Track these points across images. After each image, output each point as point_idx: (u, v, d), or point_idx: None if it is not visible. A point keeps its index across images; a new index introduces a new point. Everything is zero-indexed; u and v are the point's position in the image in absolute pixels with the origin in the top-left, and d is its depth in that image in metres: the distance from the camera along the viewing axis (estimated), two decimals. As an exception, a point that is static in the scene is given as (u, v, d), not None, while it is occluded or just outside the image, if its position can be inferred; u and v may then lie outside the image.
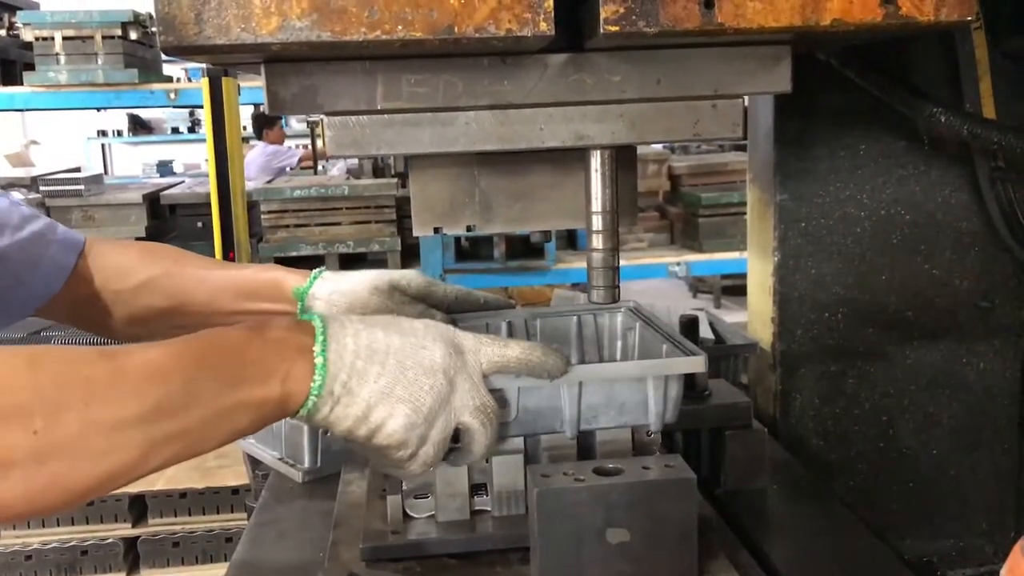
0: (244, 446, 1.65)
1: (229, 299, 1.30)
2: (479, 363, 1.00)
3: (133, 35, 4.99)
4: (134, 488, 3.54)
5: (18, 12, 5.34)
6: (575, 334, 1.37)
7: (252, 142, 8.76)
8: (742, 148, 5.29)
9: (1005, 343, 1.64)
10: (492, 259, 5.02)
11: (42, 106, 5.36)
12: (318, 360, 0.91)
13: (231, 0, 0.84)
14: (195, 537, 3.64)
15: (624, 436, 1.14)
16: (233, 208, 4.73)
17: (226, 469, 3.65)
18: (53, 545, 3.56)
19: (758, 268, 1.68)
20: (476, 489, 1.15)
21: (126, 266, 1.31)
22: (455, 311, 1.31)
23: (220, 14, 0.85)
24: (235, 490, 3.62)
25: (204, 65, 4.35)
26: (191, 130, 12.38)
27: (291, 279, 1.29)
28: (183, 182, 6.56)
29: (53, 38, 4.86)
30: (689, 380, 1.30)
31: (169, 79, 5.59)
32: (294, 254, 5.00)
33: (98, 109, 7.84)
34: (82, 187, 5.24)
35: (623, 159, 1.13)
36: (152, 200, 5.35)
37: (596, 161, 1.09)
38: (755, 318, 1.71)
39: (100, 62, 4.88)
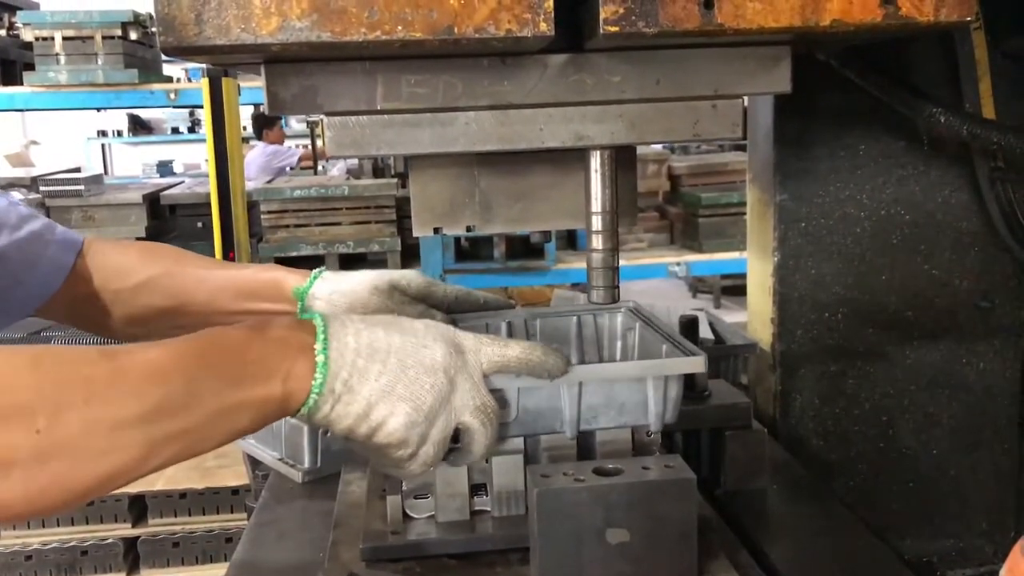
0: (244, 446, 1.65)
1: (229, 299, 1.30)
2: (480, 363, 1.00)
3: (133, 35, 4.99)
4: (134, 488, 3.54)
5: (18, 12, 5.33)
6: (575, 334, 1.37)
7: (252, 142, 8.76)
8: (742, 148, 5.29)
9: (1005, 343, 1.64)
10: (492, 259, 5.02)
11: (42, 106, 5.36)
12: (319, 358, 0.91)
13: (231, 1, 0.85)
14: (195, 537, 3.64)
15: (624, 436, 1.14)
16: (233, 208, 4.73)
17: (226, 469, 3.65)
18: (53, 545, 3.56)
19: (758, 268, 1.69)
20: (476, 489, 1.15)
21: (125, 266, 1.31)
22: (455, 311, 1.31)
23: (220, 15, 0.85)
24: (235, 490, 3.62)
25: (204, 65, 4.35)
26: (191, 130, 12.38)
27: (291, 279, 1.29)
28: (183, 182, 6.56)
29: (53, 38, 4.86)
30: (689, 380, 1.30)
31: (169, 79, 5.59)
32: (294, 254, 5.00)
33: (98, 109, 7.85)
34: (82, 187, 5.24)
35: (623, 159, 1.13)
36: (152, 200, 5.35)
37: (596, 161, 1.09)
38: (755, 318, 1.71)
39: (100, 62, 4.88)
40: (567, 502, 0.98)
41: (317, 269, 1.31)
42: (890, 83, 1.43)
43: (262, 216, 5.12)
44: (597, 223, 1.11)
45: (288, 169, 8.16)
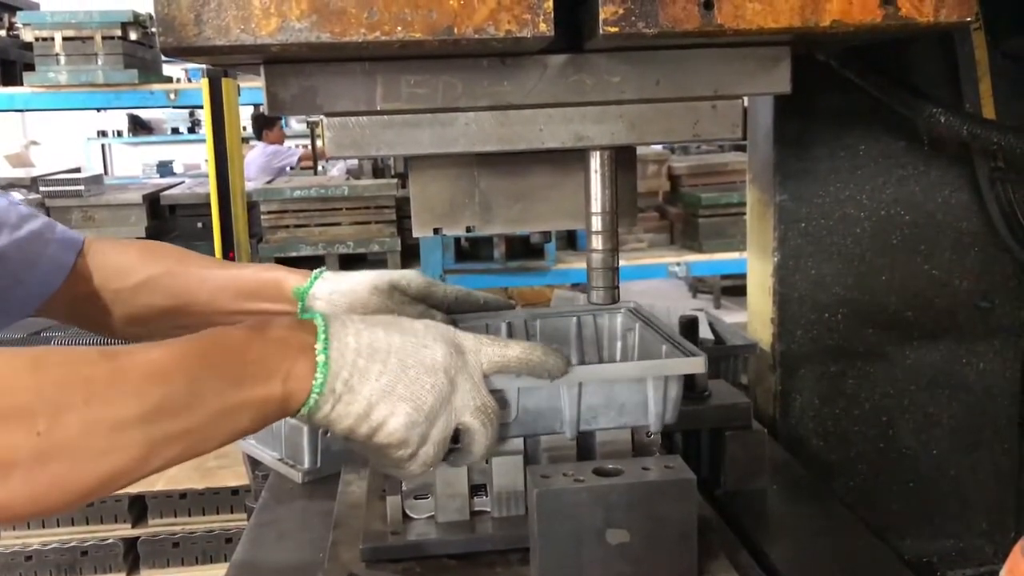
0: (244, 447, 1.65)
1: (230, 299, 1.29)
2: (480, 363, 1.00)
3: (133, 35, 4.99)
4: (134, 488, 3.54)
5: (18, 12, 5.33)
6: (575, 335, 1.37)
7: (252, 142, 8.76)
8: (742, 148, 5.29)
9: (1005, 343, 1.64)
10: (492, 260, 5.02)
11: (42, 106, 5.36)
12: (320, 358, 0.91)
13: (231, 1, 0.85)
14: (195, 538, 3.64)
15: (624, 437, 1.14)
16: (233, 208, 4.73)
17: (226, 469, 3.65)
18: (53, 546, 3.56)
19: (758, 268, 1.69)
20: (476, 490, 1.15)
21: (126, 265, 1.31)
22: (455, 311, 1.31)
23: (219, 15, 0.85)
24: (235, 491, 3.62)
25: (204, 66, 4.35)
26: (191, 130, 12.37)
27: (292, 279, 1.29)
28: (183, 182, 6.56)
29: (53, 38, 4.86)
30: (689, 381, 1.30)
31: (169, 80, 5.59)
32: (294, 254, 5.00)
33: (98, 109, 7.85)
34: (82, 187, 5.24)
35: (623, 160, 1.13)
36: (152, 200, 5.35)
37: (596, 162, 1.09)
38: (755, 318, 1.71)
39: (100, 62, 4.88)
40: (567, 502, 0.98)
41: (318, 269, 1.31)
42: (890, 83, 1.43)
43: (262, 216, 5.12)
44: (597, 223, 1.11)
45: (288, 169, 8.16)
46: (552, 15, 0.87)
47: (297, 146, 9.66)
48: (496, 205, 1.20)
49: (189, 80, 7.42)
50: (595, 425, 1.12)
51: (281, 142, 8.86)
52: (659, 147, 6.17)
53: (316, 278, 1.28)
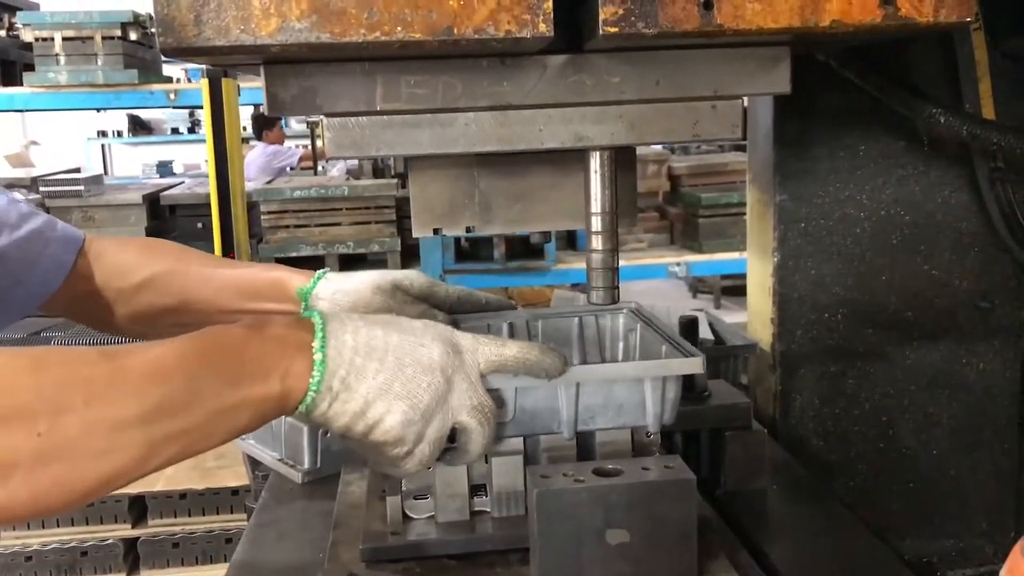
0: (244, 447, 1.65)
1: (232, 298, 1.29)
2: (477, 362, 1.00)
3: (133, 36, 4.99)
4: (134, 489, 3.54)
5: (18, 12, 5.33)
6: (577, 335, 1.37)
7: (252, 143, 8.76)
8: (742, 148, 5.29)
9: (1005, 343, 1.64)
10: (492, 260, 5.02)
11: (42, 107, 5.36)
12: (317, 356, 0.92)
13: (230, 1, 0.85)
14: (195, 538, 3.64)
15: (624, 437, 1.14)
16: (233, 209, 4.73)
17: (226, 470, 3.66)
18: (53, 546, 3.56)
19: (758, 268, 1.69)
20: (476, 490, 1.15)
21: (128, 263, 1.31)
22: (457, 311, 1.31)
23: (219, 15, 0.85)
24: (235, 491, 3.62)
25: (204, 66, 4.36)
26: (191, 131, 12.37)
27: (295, 279, 1.29)
28: (183, 183, 6.56)
29: (53, 39, 4.86)
30: (689, 381, 1.30)
31: (169, 80, 5.59)
32: (294, 255, 5.00)
33: (98, 110, 7.85)
34: (82, 188, 5.24)
35: (622, 160, 1.13)
36: (152, 201, 5.35)
37: (595, 162, 1.09)
38: (755, 318, 1.71)
39: (100, 63, 4.88)
40: (567, 503, 0.98)
41: (321, 270, 1.32)
42: (890, 83, 1.43)
43: (262, 216, 5.12)
44: (597, 224, 1.11)
45: (288, 169, 8.16)
46: (552, 15, 0.87)
47: (297, 146, 9.67)
48: (496, 205, 1.20)
49: (189, 80, 7.42)
50: (593, 425, 1.12)
51: (281, 142, 8.87)
52: (659, 147, 6.17)
53: (319, 278, 1.28)
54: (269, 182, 6.08)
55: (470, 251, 5.13)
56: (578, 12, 0.94)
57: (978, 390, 1.65)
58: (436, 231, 1.20)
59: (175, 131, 12.67)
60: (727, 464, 1.34)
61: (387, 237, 5.09)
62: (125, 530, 3.62)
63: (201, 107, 4.81)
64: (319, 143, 7.87)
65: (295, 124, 11.24)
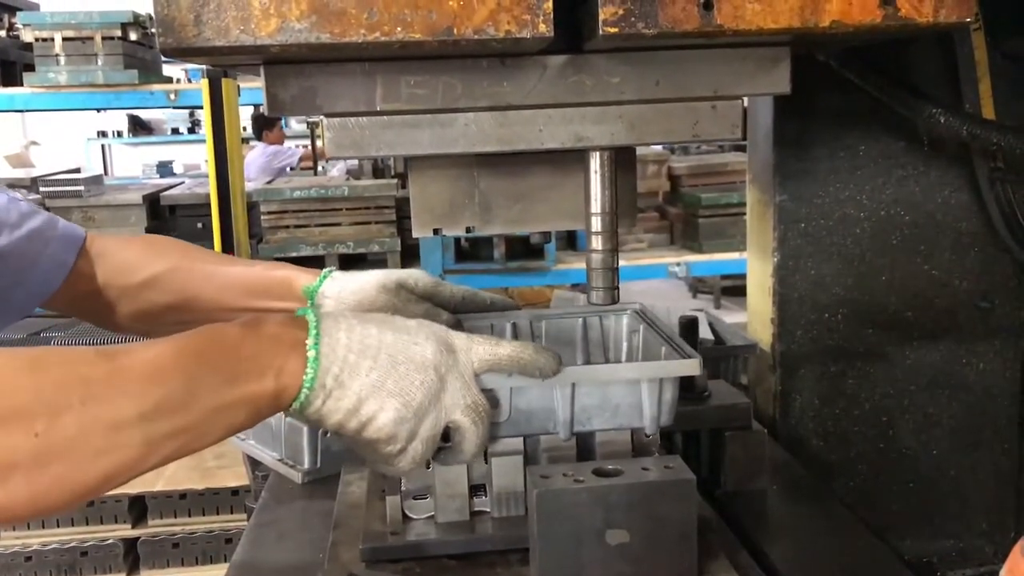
0: (244, 447, 1.65)
1: (237, 296, 1.29)
2: (471, 362, 1.00)
3: (133, 36, 4.99)
4: (134, 489, 3.54)
5: (18, 13, 5.33)
6: (580, 336, 1.36)
7: (252, 143, 8.76)
8: (742, 149, 5.29)
9: (1005, 343, 1.64)
10: (492, 260, 5.02)
11: (42, 107, 5.36)
12: (310, 354, 0.92)
13: (230, 2, 0.85)
14: (195, 538, 3.64)
15: (624, 437, 1.14)
16: (233, 209, 4.72)
17: (226, 470, 3.66)
18: (53, 546, 3.56)
19: (758, 269, 1.69)
20: (475, 490, 1.15)
21: (131, 261, 1.30)
22: (461, 311, 1.31)
23: (219, 16, 0.85)
24: (235, 491, 3.62)
25: (204, 66, 4.35)
26: (191, 131, 12.37)
27: (302, 277, 1.29)
28: (183, 183, 6.55)
29: (53, 39, 4.86)
30: (688, 381, 1.30)
31: (169, 80, 5.58)
32: (294, 255, 4.99)
33: (98, 110, 7.83)
34: (82, 188, 5.24)
35: (622, 160, 1.13)
36: (152, 201, 5.35)
37: (595, 162, 1.09)
38: (755, 319, 1.71)
39: (100, 63, 4.87)
40: (567, 503, 0.98)
41: (327, 269, 1.31)
42: (890, 84, 1.43)
43: (262, 217, 5.12)
44: (597, 224, 1.11)
45: (288, 170, 8.16)
46: (552, 16, 0.87)
47: (297, 146, 9.66)
48: (496, 205, 1.20)
49: (189, 80, 7.42)
50: (589, 426, 1.11)
51: (281, 142, 8.86)
52: (659, 147, 6.17)
53: (325, 277, 1.28)
54: (269, 182, 6.08)
55: (470, 251, 5.13)
56: (578, 12, 0.94)
57: (978, 390, 1.65)
58: (436, 231, 1.20)
59: (175, 131, 12.67)
60: (727, 464, 1.34)
61: (387, 237, 5.09)
62: (125, 530, 3.63)
63: (201, 107, 4.81)
64: (319, 143, 7.87)
65: (295, 124, 11.23)
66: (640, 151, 1.30)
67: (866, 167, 1.58)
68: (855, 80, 1.44)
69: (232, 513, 3.64)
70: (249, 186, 5.41)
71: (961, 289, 1.62)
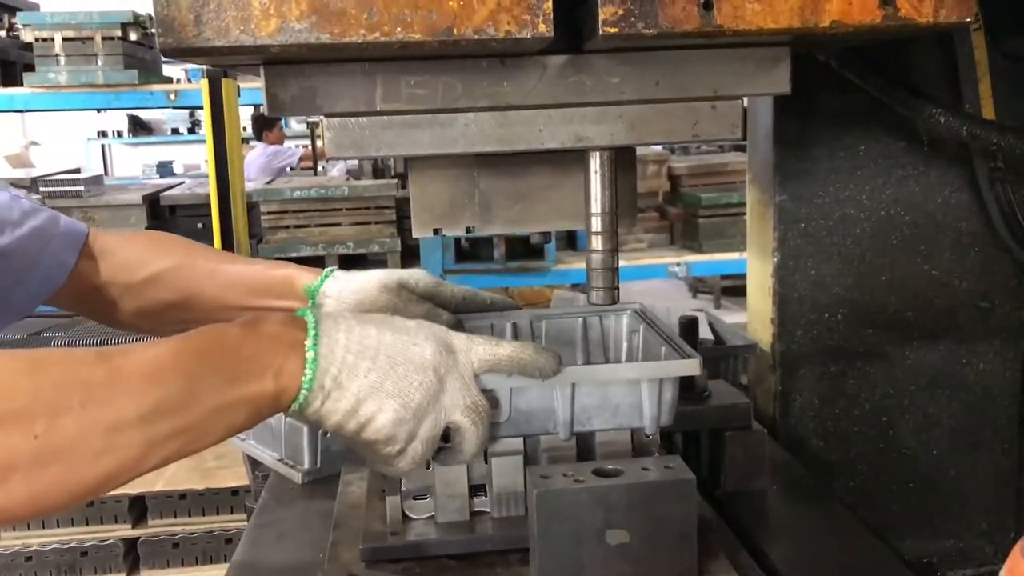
0: (244, 447, 1.65)
1: (240, 295, 1.29)
2: (471, 362, 1.00)
3: (133, 36, 4.98)
4: (134, 489, 3.54)
5: (18, 13, 5.33)
6: (581, 336, 1.36)
7: (252, 143, 8.75)
8: (742, 149, 5.29)
9: (1005, 343, 1.64)
10: (492, 260, 5.02)
11: (42, 107, 5.35)
12: (309, 354, 0.92)
13: (230, 2, 0.85)
14: (195, 538, 3.65)
15: (624, 437, 1.14)
16: (233, 209, 4.72)
17: (226, 470, 3.66)
18: (53, 546, 3.56)
19: (758, 269, 1.69)
20: (475, 490, 1.15)
21: (134, 258, 1.30)
22: (462, 311, 1.31)
23: (219, 16, 0.85)
24: (235, 491, 3.63)
25: (204, 66, 4.35)
26: (191, 131, 12.37)
27: (303, 276, 1.29)
28: (183, 183, 6.55)
29: (53, 39, 4.85)
30: (688, 381, 1.30)
31: (169, 80, 5.58)
32: (294, 255, 4.99)
33: (98, 110, 7.83)
34: (82, 188, 5.24)
35: (622, 160, 1.13)
36: (152, 201, 5.34)
37: (595, 162, 1.09)
38: (755, 319, 1.71)
39: (100, 63, 4.87)
40: (567, 503, 0.98)
41: (328, 268, 1.31)
42: (890, 84, 1.43)
43: (262, 217, 5.12)
44: (597, 224, 1.11)
45: (288, 170, 8.16)
46: (552, 16, 0.87)
47: (297, 146, 9.66)
48: (496, 205, 1.20)
49: (189, 80, 7.42)
50: (589, 427, 1.11)
51: (281, 142, 8.86)
52: (659, 147, 6.17)
53: (327, 276, 1.28)
54: (269, 182, 6.08)
55: (470, 251, 5.13)
56: (578, 12, 0.94)
57: (978, 390, 1.65)
58: (436, 231, 1.20)
59: (175, 131, 12.67)
60: (727, 464, 1.34)
61: (387, 237, 5.09)
62: (125, 530, 3.63)
63: (201, 107, 4.80)
64: (319, 143, 7.87)
65: (295, 124, 11.23)
66: (640, 151, 1.30)
67: (866, 167, 1.58)
68: (855, 80, 1.43)
69: (232, 513, 3.64)
70: (249, 186, 5.41)
71: (961, 289, 1.62)
